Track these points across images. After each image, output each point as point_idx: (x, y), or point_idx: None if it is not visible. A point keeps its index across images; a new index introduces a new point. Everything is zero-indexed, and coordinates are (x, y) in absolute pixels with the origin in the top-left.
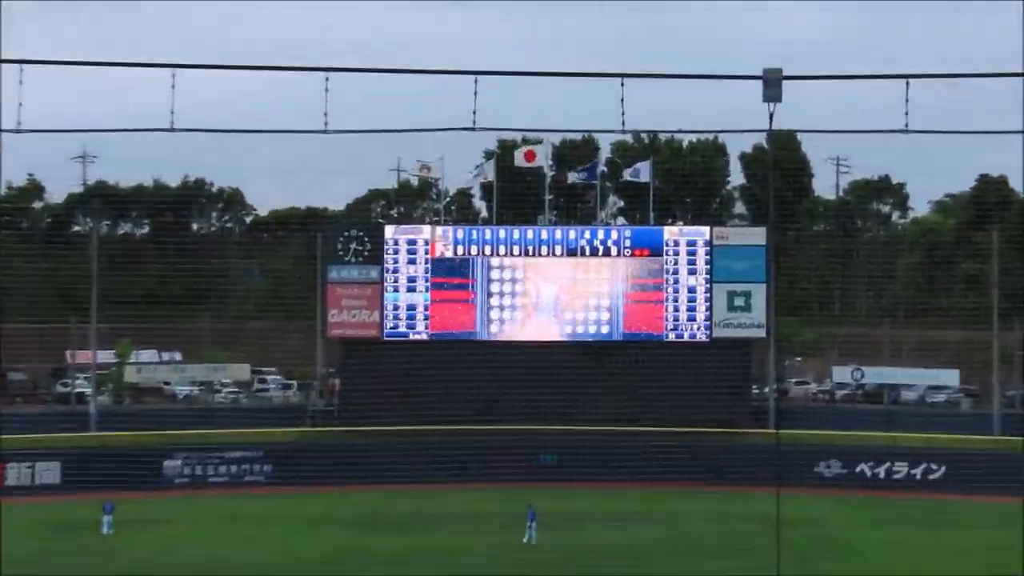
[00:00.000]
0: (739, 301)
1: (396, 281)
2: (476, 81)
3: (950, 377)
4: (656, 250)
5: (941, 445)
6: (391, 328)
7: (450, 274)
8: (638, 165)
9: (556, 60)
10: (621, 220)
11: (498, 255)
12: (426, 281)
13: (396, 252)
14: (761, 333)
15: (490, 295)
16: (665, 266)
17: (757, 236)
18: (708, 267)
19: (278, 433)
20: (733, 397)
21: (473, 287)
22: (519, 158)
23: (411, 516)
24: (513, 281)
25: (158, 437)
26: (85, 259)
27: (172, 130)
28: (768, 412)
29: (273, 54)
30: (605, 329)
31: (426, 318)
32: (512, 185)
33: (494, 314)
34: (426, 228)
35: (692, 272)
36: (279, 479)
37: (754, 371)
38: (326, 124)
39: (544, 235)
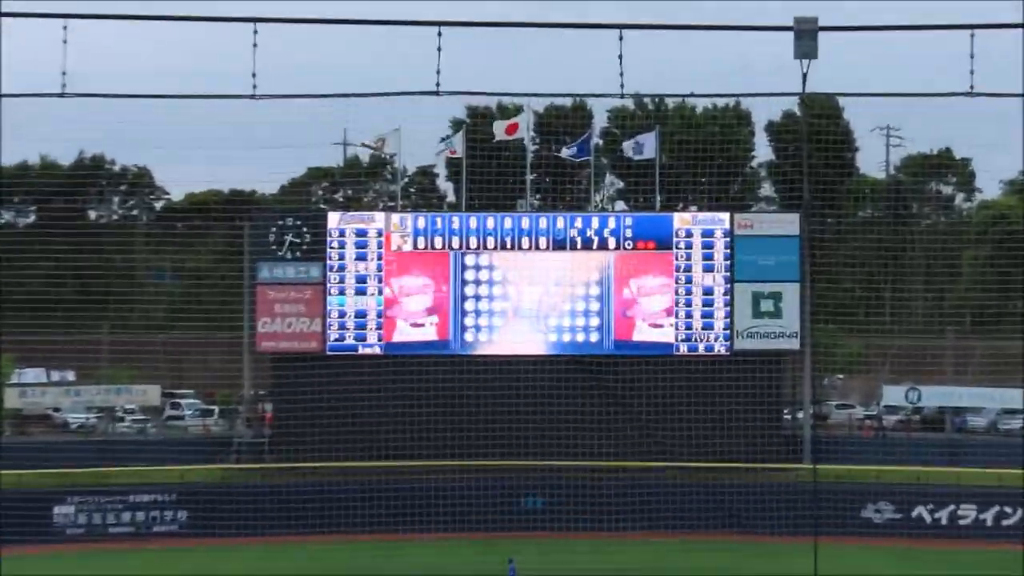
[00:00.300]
0: (767, 305)
1: (342, 281)
2: (440, 34)
3: None
4: (664, 242)
5: (1017, 483)
6: (336, 340)
7: (409, 272)
8: (641, 137)
9: (538, 11)
10: (620, 205)
11: (469, 248)
12: (379, 281)
13: (342, 245)
14: (794, 344)
15: (462, 299)
16: (676, 261)
17: (789, 224)
18: (728, 263)
19: (195, 472)
20: (759, 424)
21: (438, 288)
22: (499, 132)
23: (363, 575)
24: (490, 283)
25: (47, 477)
26: None
27: (64, 95)
28: (803, 443)
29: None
30: (601, 340)
31: (379, 327)
32: (485, 162)
33: (466, 321)
34: (379, 215)
35: (708, 268)
36: (197, 528)
37: (785, 392)
38: (255, 88)
39: (525, 224)
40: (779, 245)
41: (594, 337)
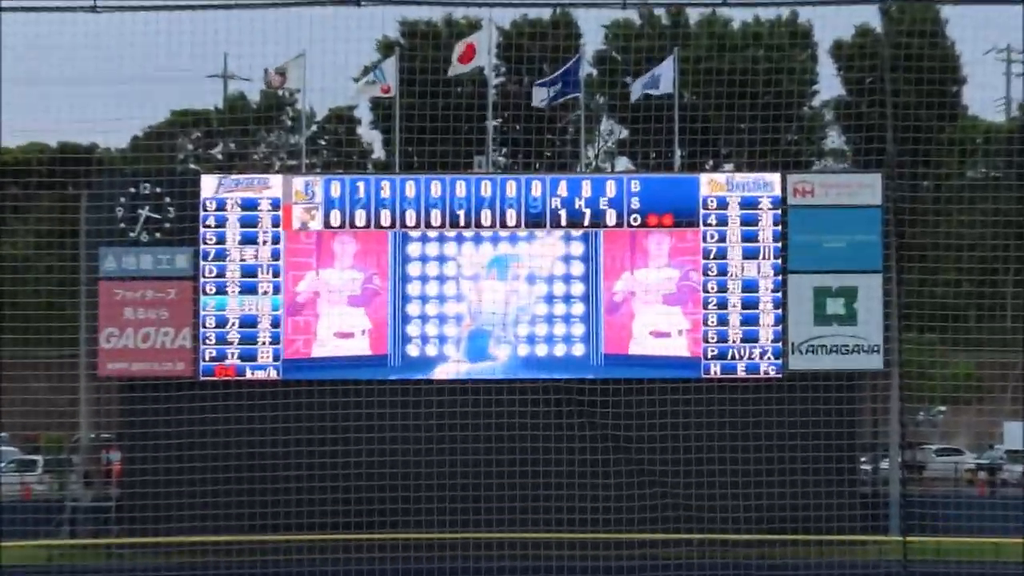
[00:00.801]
0: (835, 306)
1: (222, 275)
2: None
3: None
4: (686, 214)
5: None
6: (213, 359)
7: (320, 261)
8: (657, 69)
9: None
10: (624, 163)
11: (404, 226)
12: (275, 274)
13: (222, 223)
14: (875, 363)
15: (405, 299)
16: (704, 244)
17: (867, 189)
18: (779, 245)
19: (13, 550)
20: (826, 478)
21: (364, 282)
22: (455, 64)
23: None
24: (440, 279)
25: None
26: None
27: None
28: (889, 504)
29: None
30: (594, 356)
31: (276, 340)
32: (429, 102)
33: (409, 331)
34: (276, 179)
35: (751, 253)
36: None
37: (863, 431)
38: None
39: (486, 190)
40: (853, 219)
41: (592, 355)
